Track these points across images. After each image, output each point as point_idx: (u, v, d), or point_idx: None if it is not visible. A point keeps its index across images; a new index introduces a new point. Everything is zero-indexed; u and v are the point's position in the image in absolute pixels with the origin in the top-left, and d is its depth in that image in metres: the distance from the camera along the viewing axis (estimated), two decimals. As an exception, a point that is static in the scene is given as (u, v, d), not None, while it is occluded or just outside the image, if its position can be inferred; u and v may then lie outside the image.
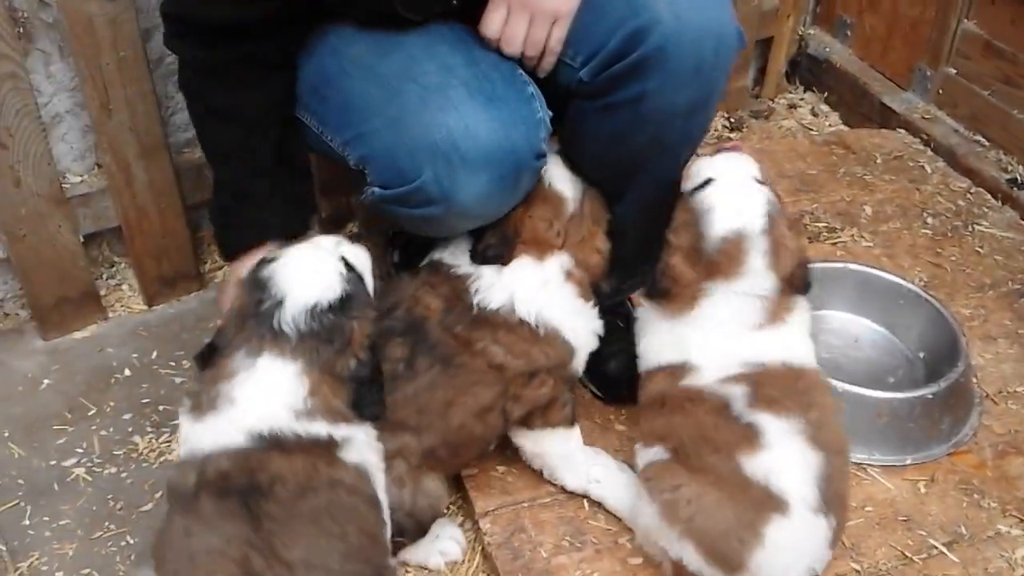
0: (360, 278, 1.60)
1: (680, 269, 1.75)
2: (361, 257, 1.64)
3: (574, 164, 1.85)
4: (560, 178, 1.83)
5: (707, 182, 1.76)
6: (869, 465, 1.99)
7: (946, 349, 2.12)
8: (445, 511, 1.92)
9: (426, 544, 1.86)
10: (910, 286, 2.27)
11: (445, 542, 1.89)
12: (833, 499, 1.64)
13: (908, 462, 2.00)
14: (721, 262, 1.71)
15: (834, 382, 1.97)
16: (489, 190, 1.65)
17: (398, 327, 1.75)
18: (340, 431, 1.52)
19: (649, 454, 1.75)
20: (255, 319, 1.51)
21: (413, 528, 1.79)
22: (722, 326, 1.72)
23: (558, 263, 1.79)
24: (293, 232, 1.74)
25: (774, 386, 1.68)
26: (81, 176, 2.36)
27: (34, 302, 2.32)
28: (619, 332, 2.00)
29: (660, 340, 1.79)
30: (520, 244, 1.77)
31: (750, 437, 1.64)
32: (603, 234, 1.87)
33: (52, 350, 2.34)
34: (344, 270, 1.57)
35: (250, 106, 1.78)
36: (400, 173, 1.66)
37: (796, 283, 1.76)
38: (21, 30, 2.09)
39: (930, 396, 1.98)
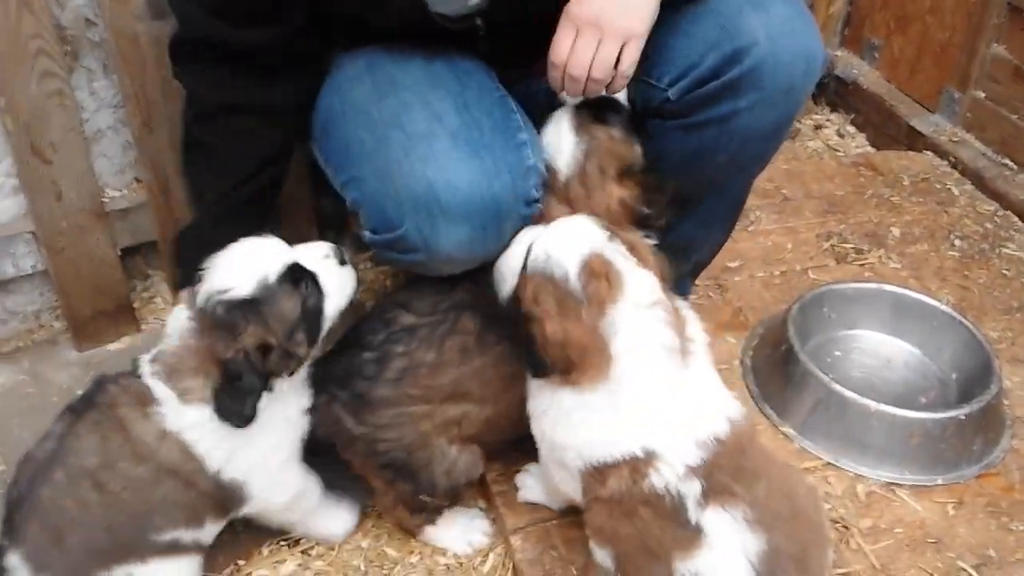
0: (300, 289, 1.62)
1: (562, 328, 1.51)
2: (335, 278, 1.68)
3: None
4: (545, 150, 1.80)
5: (529, 247, 1.59)
6: (899, 485, 2.00)
7: (979, 371, 2.12)
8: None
9: (456, 531, 1.92)
10: (944, 308, 2.27)
11: (474, 534, 1.94)
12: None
13: (939, 482, 2.00)
14: (597, 289, 1.51)
15: (866, 401, 1.99)
16: (470, 240, 1.67)
17: (467, 300, 1.78)
18: (162, 393, 1.61)
19: (598, 554, 1.62)
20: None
21: (445, 489, 1.83)
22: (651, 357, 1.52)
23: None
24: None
25: (724, 469, 1.51)
26: (120, 191, 2.40)
27: (70, 314, 2.36)
28: None
29: (597, 423, 1.54)
30: None
31: (692, 539, 1.48)
32: (615, 178, 1.77)
33: (86, 362, 2.37)
34: (279, 275, 1.59)
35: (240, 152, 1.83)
36: (386, 221, 1.70)
37: (665, 276, 1.60)
38: (68, 48, 2.14)
39: (963, 417, 1.99)
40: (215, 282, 1.57)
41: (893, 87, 3.38)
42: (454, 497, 1.88)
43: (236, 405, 1.57)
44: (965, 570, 1.84)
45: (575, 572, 1.83)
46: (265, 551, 1.93)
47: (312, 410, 1.78)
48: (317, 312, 1.64)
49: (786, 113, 1.80)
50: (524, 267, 1.56)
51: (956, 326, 2.23)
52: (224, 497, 1.69)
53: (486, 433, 1.84)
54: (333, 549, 1.94)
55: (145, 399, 1.61)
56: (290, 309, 1.60)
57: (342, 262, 1.70)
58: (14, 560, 1.59)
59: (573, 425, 1.55)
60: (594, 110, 1.78)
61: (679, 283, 2.19)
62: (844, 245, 2.69)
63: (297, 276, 1.62)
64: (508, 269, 1.63)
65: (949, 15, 3.13)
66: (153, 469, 1.61)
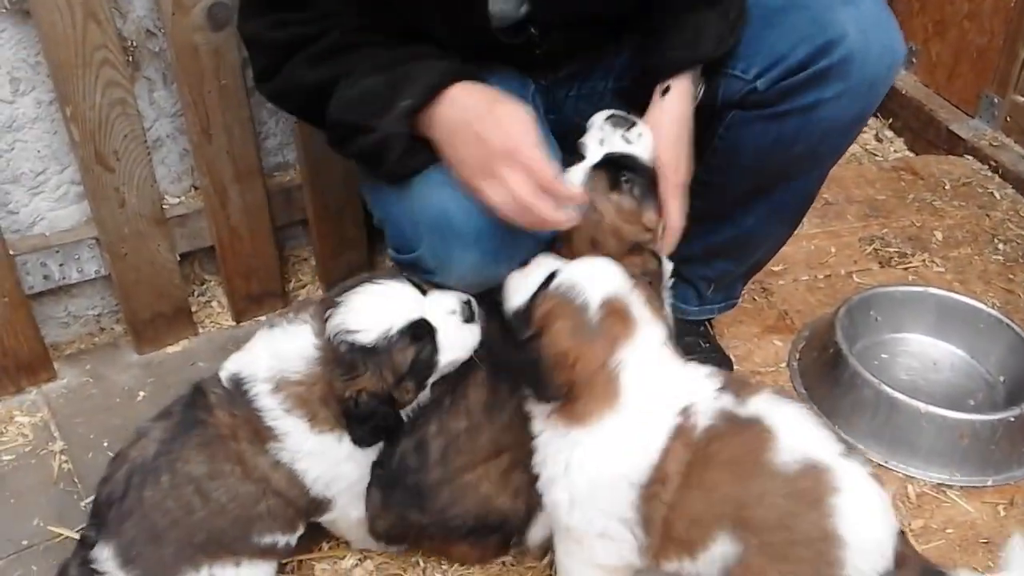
0: (418, 346, 1.67)
1: (573, 349, 1.54)
2: (455, 334, 1.70)
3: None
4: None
5: (551, 276, 1.61)
6: (949, 486, 2.02)
7: (1027, 373, 2.14)
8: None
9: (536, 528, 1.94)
10: (990, 311, 2.29)
11: None
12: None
13: (989, 483, 2.02)
14: (613, 326, 1.56)
15: (916, 403, 2.02)
16: (482, 264, 1.69)
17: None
18: (288, 426, 1.67)
19: (712, 555, 1.54)
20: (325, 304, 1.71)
21: (529, 523, 1.87)
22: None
23: None
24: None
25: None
26: (178, 198, 2.45)
27: (131, 317, 2.41)
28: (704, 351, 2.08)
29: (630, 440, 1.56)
30: None
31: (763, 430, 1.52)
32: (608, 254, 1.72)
33: (146, 364, 2.43)
34: (400, 329, 1.64)
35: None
36: (405, 241, 1.75)
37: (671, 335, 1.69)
38: (130, 59, 2.19)
39: (1012, 419, 2.00)
40: (347, 320, 1.65)
41: (931, 92, 3.39)
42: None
43: (364, 432, 1.69)
44: (1017, 570, 1.86)
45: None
46: (325, 546, 1.98)
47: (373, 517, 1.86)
48: (429, 366, 1.70)
49: (867, 106, 1.84)
50: (543, 288, 1.59)
51: (1003, 329, 2.24)
52: (315, 508, 1.79)
53: None
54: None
55: (263, 435, 1.68)
56: (402, 362, 1.66)
57: (468, 319, 1.72)
58: (104, 553, 1.65)
59: (608, 457, 1.55)
60: (614, 168, 1.74)
61: (731, 285, 2.22)
62: (887, 249, 2.71)
63: (418, 332, 1.67)
64: (521, 286, 1.65)
65: (987, 19, 3.14)
66: (262, 489, 1.70)
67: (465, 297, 1.72)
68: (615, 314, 1.55)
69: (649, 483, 1.54)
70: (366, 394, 1.64)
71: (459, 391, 1.81)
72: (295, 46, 1.70)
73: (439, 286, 1.75)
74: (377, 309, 1.66)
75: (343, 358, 1.64)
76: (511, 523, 1.85)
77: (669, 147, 1.74)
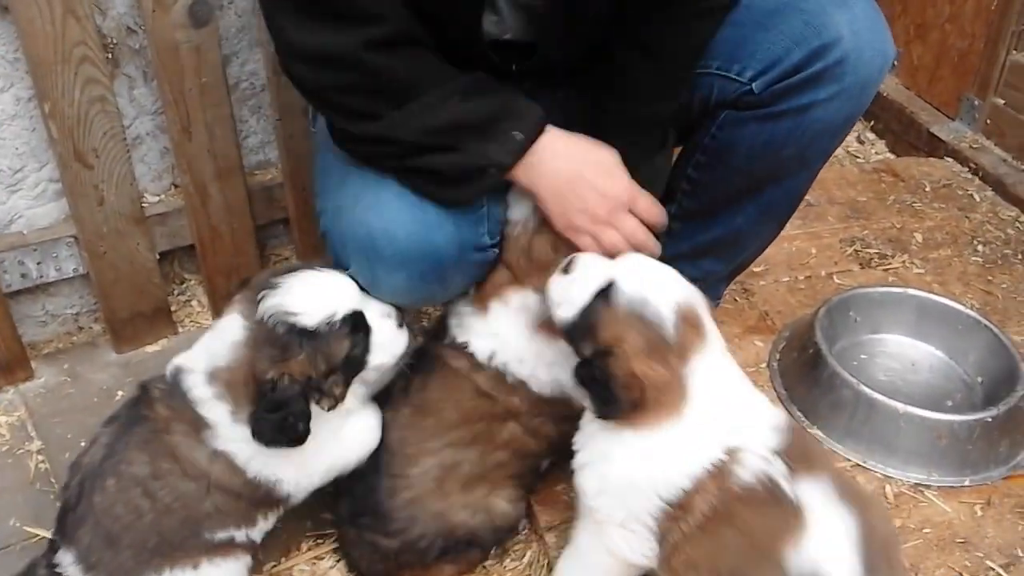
0: (354, 338, 1.66)
1: (649, 368, 1.49)
2: (388, 337, 1.71)
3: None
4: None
5: (609, 285, 1.54)
6: (927, 486, 2.03)
7: (1004, 374, 2.15)
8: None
9: None
10: (969, 312, 2.30)
11: None
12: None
13: (966, 483, 2.03)
14: (688, 337, 1.52)
15: (894, 403, 2.02)
16: (409, 287, 1.71)
17: None
18: (217, 413, 1.63)
19: None
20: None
21: (501, 538, 1.91)
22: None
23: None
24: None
25: (797, 451, 1.52)
26: (158, 196, 2.44)
27: (109, 316, 2.40)
28: None
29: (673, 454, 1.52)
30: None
31: (797, 519, 1.45)
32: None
33: (125, 363, 2.42)
34: (343, 316, 1.63)
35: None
36: (338, 259, 1.76)
37: None
38: (110, 55, 2.18)
39: (989, 419, 2.01)
40: (287, 302, 1.61)
41: (913, 94, 3.41)
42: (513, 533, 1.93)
43: (269, 423, 1.58)
44: (993, 569, 1.87)
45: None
46: (304, 547, 1.97)
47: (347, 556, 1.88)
48: (360, 362, 1.68)
49: (858, 108, 1.87)
50: (605, 302, 1.53)
51: (981, 330, 2.25)
52: (267, 495, 1.72)
53: (500, 467, 1.86)
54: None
55: (197, 425, 1.64)
56: (338, 351, 1.64)
57: (400, 325, 1.74)
58: (67, 559, 1.64)
59: (646, 463, 1.52)
60: None
61: (715, 286, 2.23)
62: (868, 250, 2.73)
63: (357, 325, 1.66)
64: (571, 295, 1.59)
65: (968, 23, 3.16)
66: (204, 485, 1.66)
67: (397, 308, 1.74)
68: (687, 324, 1.51)
69: (675, 505, 1.51)
70: (288, 377, 1.57)
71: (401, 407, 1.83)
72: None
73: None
74: (321, 294, 1.65)
75: (278, 339, 1.58)
76: (484, 536, 1.85)
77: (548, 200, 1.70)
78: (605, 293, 1.54)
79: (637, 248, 1.68)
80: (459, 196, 1.67)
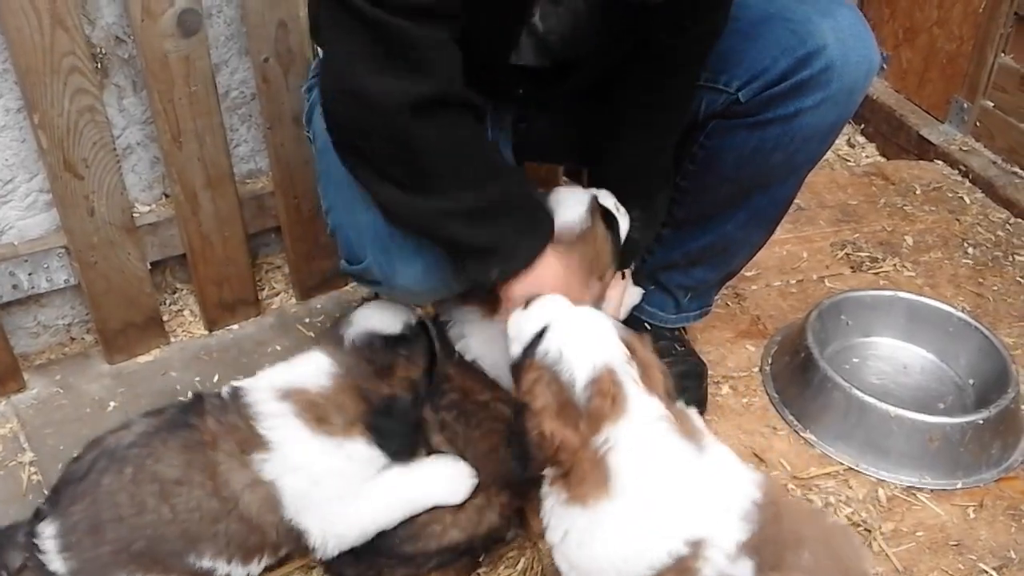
0: (428, 335, 1.84)
1: (558, 430, 1.42)
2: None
3: None
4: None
5: (543, 331, 1.48)
6: (919, 489, 2.03)
7: (995, 376, 2.16)
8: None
9: None
10: (960, 314, 2.31)
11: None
12: None
13: (959, 486, 2.04)
14: (600, 407, 1.42)
15: (886, 406, 2.03)
16: (427, 275, 1.71)
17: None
18: (283, 434, 1.67)
19: None
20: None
21: (496, 541, 1.91)
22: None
23: None
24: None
25: (769, 541, 1.41)
26: (149, 206, 2.44)
27: (101, 327, 2.39)
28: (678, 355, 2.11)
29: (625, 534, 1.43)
30: None
31: None
32: None
33: (117, 373, 2.41)
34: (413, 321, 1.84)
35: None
36: (353, 253, 1.76)
37: (672, 396, 1.53)
38: (99, 66, 2.18)
39: (981, 421, 2.02)
40: (369, 322, 1.80)
41: (902, 97, 3.43)
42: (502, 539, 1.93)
43: (398, 434, 1.75)
44: (986, 572, 1.88)
45: None
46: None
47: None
48: (434, 356, 1.83)
49: (844, 114, 1.88)
50: (532, 351, 1.48)
51: (972, 332, 2.26)
52: (283, 540, 1.72)
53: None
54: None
55: (250, 444, 1.66)
56: (425, 348, 1.82)
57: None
58: (48, 530, 1.63)
59: (600, 542, 1.43)
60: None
61: (706, 293, 2.24)
62: (859, 254, 2.74)
63: (420, 327, 1.85)
64: (518, 334, 1.53)
65: (956, 26, 3.17)
66: (227, 509, 1.65)
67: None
68: (603, 393, 1.42)
69: None
70: (401, 384, 1.75)
71: None
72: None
73: (396, 298, 1.82)
74: (387, 310, 1.83)
75: (376, 354, 1.75)
76: (475, 545, 1.85)
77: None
78: (536, 340, 1.48)
79: None
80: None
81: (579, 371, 1.43)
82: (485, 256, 1.58)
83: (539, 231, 1.62)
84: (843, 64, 1.79)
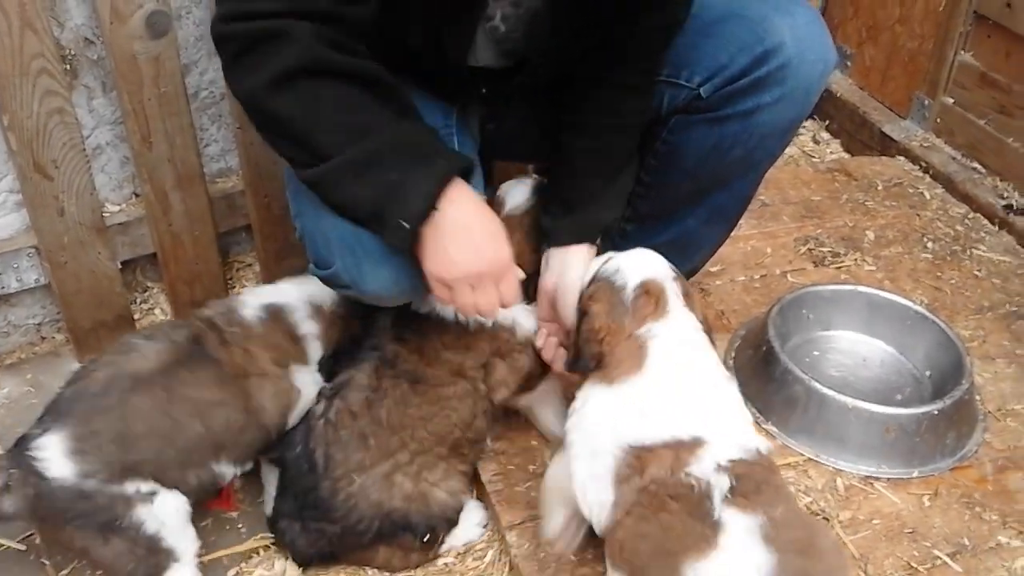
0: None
1: (605, 325, 1.68)
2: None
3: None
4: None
5: (605, 262, 1.78)
6: (877, 478, 2.08)
7: (951, 368, 2.21)
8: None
9: (461, 531, 2.01)
10: (917, 308, 2.36)
11: (473, 516, 2.04)
12: None
13: (915, 475, 2.09)
14: (645, 304, 1.68)
15: (844, 397, 2.08)
16: (396, 279, 1.72)
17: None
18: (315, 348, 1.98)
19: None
20: None
21: (443, 518, 1.95)
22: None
23: None
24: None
25: (752, 479, 1.51)
26: (119, 205, 2.45)
27: (72, 326, 2.41)
28: None
29: (638, 410, 1.60)
30: None
31: (710, 538, 1.45)
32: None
33: (89, 372, 2.43)
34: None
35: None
36: (321, 258, 1.78)
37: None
38: (68, 67, 2.19)
39: (936, 412, 2.07)
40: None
41: (865, 94, 3.49)
42: (454, 522, 1.97)
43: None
44: (940, 558, 1.92)
45: (568, 566, 1.88)
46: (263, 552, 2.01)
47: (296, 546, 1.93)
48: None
49: (802, 111, 1.93)
50: (595, 275, 1.76)
51: (929, 325, 2.32)
52: (273, 440, 1.94)
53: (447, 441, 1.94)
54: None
55: (291, 355, 1.93)
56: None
57: None
58: (50, 440, 1.71)
59: (616, 409, 1.62)
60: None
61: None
62: (821, 249, 2.79)
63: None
64: (588, 271, 1.82)
65: (918, 24, 3.23)
66: (253, 421, 1.87)
67: None
68: (648, 295, 1.68)
69: (630, 462, 1.55)
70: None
71: (339, 399, 1.90)
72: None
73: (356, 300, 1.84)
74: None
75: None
76: (417, 522, 1.90)
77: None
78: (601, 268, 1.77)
79: (476, 313, 1.68)
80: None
81: (630, 278, 1.71)
82: (381, 204, 1.57)
83: (432, 167, 1.58)
84: (799, 62, 1.84)
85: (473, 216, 1.60)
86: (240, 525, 2.06)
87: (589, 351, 1.68)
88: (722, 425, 1.57)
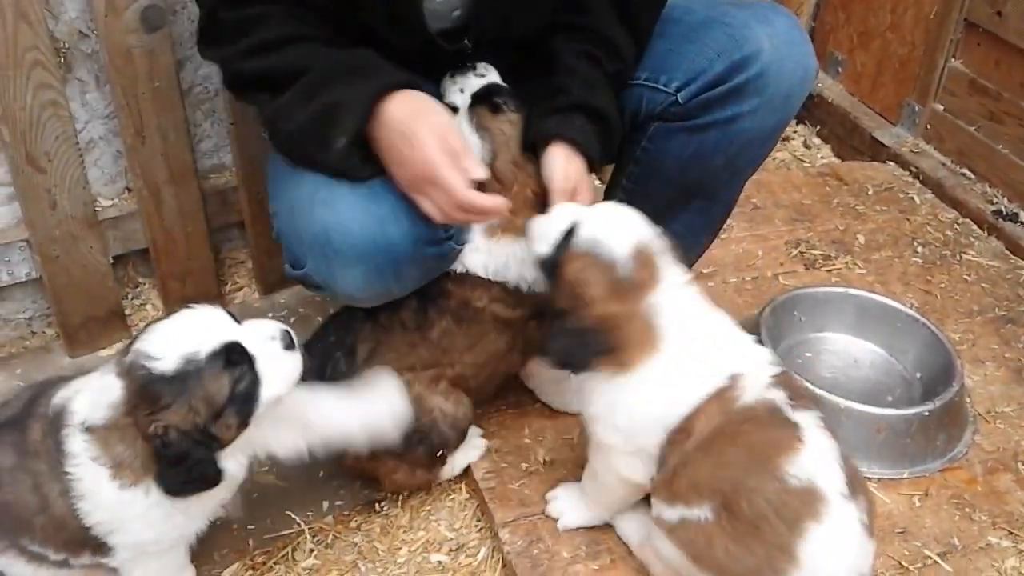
0: (233, 371, 1.50)
1: (611, 312, 1.61)
2: (277, 364, 1.55)
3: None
4: None
5: (572, 229, 1.66)
6: (868, 478, 2.07)
7: (941, 370, 2.22)
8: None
9: (460, 455, 2.05)
10: (907, 310, 2.38)
11: (473, 440, 2.09)
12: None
13: (905, 475, 2.10)
14: (643, 276, 1.63)
15: (835, 398, 2.08)
16: (366, 282, 1.73)
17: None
18: (86, 473, 1.52)
19: (678, 514, 1.64)
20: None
21: (456, 437, 1.97)
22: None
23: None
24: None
25: (791, 386, 1.68)
26: (112, 200, 2.44)
27: (62, 320, 2.40)
28: None
29: (671, 387, 1.63)
30: None
31: (795, 437, 1.58)
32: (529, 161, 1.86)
33: (79, 367, 2.39)
34: (210, 353, 1.47)
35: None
36: (295, 258, 1.79)
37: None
38: (62, 60, 2.18)
39: (926, 413, 2.09)
40: (146, 347, 1.48)
41: (856, 100, 3.51)
42: (462, 438, 2.01)
43: (177, 478, 1.50)
44: (931, 557, 1.94)
45: (561, 564, 1.88)
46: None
47: None
48: (250, 397, 1.52)
49: (783, 118, 1.93)
50: (567, 244, 1.65)
51: (919, 328, 2.33)
52: (98, 548, 1.61)
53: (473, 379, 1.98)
54: (327, 546, 2.00)
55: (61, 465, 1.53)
56: (217, 392, 1.48)
57: (289, 346, 1.57)
58: None
59: (647, 402, 1.64)
60: (486, 99, 1.86)
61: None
62: (812, 252, 2.80)
63: (232, 357, 1.49)
64: (545, 233, 1.69)
65: (908, 31, 3.26)
66: (42, 507, 1.57)
67: (283, 326, 1.58)
68: (643, 263, 1.63)
69: (677, 431, 1.63)
70: (175, 431, 1.45)
71: (392, 308, 1.88)
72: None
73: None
74: (178, 334, 1.49)
75: (144, 390, 1.45)
76: (431, 437, 1.92)
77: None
78: (569, 234, 1.65)
79: (454, 217, 1.66)
80: (363, 178, 1.70)
81: (619, 250, 1.62)
82: (328, 121, 1.64)
83: (368, 83, 1.63)
84: (778, 70, 1.83)
85: (405, 124, 1.62)
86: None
87: (598, 345, 1.61)
88: (746, 353, 1.67)
